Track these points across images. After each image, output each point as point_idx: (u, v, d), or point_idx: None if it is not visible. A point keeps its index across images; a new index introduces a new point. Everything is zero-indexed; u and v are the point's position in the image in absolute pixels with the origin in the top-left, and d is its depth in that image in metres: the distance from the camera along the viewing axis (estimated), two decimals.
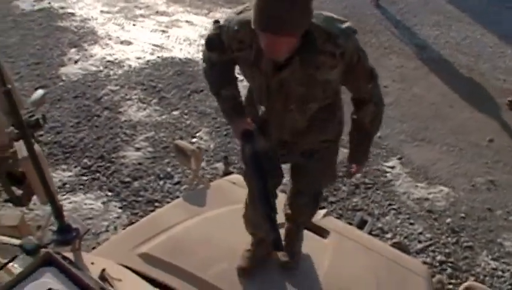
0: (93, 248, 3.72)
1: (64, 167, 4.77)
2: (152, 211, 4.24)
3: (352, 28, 2.05)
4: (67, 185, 4.55)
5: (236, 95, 2.38)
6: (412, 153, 5.47)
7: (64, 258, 1.91)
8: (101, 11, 8.02)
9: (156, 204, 4.41)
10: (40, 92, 4.31)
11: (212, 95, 2.48)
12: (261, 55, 2.07)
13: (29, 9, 7.94)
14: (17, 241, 2.10)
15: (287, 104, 2.23)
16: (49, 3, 8.15)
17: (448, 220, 4.65)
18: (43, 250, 1.78)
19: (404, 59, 7.44)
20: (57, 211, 2.16)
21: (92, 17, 7.81)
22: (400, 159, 5.35)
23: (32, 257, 1.70)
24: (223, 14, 7.35)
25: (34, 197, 4.23)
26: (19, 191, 4.22)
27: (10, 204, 4.36)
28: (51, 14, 7.84)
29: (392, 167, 5.21)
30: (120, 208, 4.36)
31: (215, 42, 2.29)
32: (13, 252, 2.04)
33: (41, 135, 5.04)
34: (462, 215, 4.74)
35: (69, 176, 4.67)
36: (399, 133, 5.70)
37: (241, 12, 2.17)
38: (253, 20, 1.87)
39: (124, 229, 4.11)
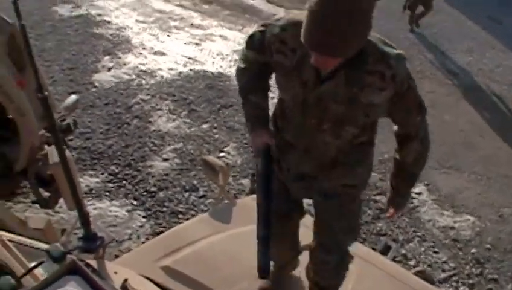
0: (116, 256, 3.74)
1: (91, 172, 4.81)
2: (176, 222, 4.26)
3: (404, 54, 1.93)
4: (93, 191, 4.59)
5: (264, 105, 2.24)
6: (439, 180, 5.41)
7: (88, 265, 1.93)
8: (137, 21, 8.13)
9: (180, 216, 4.42)
10: (73, 97, 4.39)
11: (241, 107, 2.37)
12: (304, 63, 1.92)
13: (67, 15, 8.08)
14: (43, 246, 2.12)
15: (321, 122, 2.04)
16: (87, 10, 8.29)
17: (474, 250, 4.58)
18: (69, 256, 1.80)
19: (435, 84, 7.39)
20: (84, 218, 2.18)
21: (127, 26, 7.92)
22: (426, 185, 5.30)
23: (58, 264, 1.71)
24: None
25: (61, 201, 4.30)
26: (46, 194, 4.28)
27: (37, 205, 4.44)
28: (88, 21, 7.97)
29: (419, 193, 5.16)
30: (144, 217, 4.39)
31: (256, 40, 2.14)
32: (37, 255, 2.06)
33: (71, 140, 5.10)
34: (488, 246, 4.66)
35: (96, 182, 4.71)
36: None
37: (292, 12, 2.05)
38: (303, 34, 1.73)
39: (147, 238, 4.14)
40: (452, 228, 4.81)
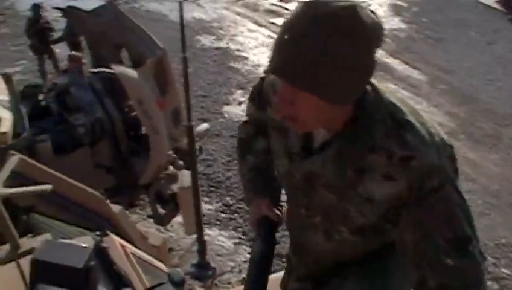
0: (215, 285, 3.81)
1: (206, 199, 4.95)
2: (280, 265, 4.25)
3: (447, 141, 1.22)
4: (205, 218, 4.70)
5: (263, 166, 1.64)
6: None
7: None
8: None
9: (284, 259, 4.40)
10: (205, 125, 4.60)
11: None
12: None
13: (208, 45, 8.49)
14: (162, 267, 2.22)
15: (310, 212, 1.39)
16: (227, 44, 8.67)
17: None
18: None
19: None
20: (202, 246, 2.26)
21: (263, 64, 8.15)
22: None
23: (176, 288, 1.78)
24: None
25: (173, 220, 4.46)
26: (162, 211, 4.48)
27: (150, 220, 4.65)
28: (226, 54, 8.32)
29: None
30: (249, 253, 4.43)
31: (255, 90, 1.61)
32: (149, 271, 2.15)
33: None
34: None
35: (209, 209, 4.84)
36: None
37: None
38: None
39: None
40: None
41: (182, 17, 2.03)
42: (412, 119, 1.21)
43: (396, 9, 11.19)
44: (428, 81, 9.06)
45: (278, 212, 1.55)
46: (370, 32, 1.12)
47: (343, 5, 1.10)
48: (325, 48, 1.10)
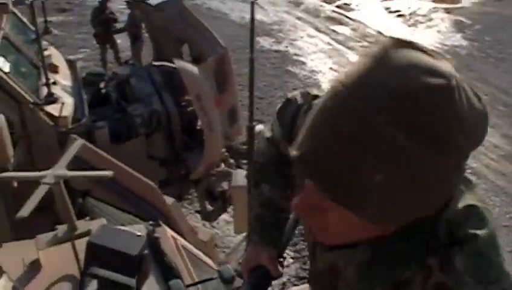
0: None
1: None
2: None
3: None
4: None
5: (278, 203, 1.36)
6: None
7: None
8: (330, 68, 8.31)
9: None
10: (260, 127, 4.61)
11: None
12: None
13: (267, 48, 8.51)
14: (211, 263, 2.23)
15: None
16: (286, 47, 8.67)
17: None
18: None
19: None
20: None
21: (320, 71, 8.13)
22: None
23: (226, 285, 1.78)
24: None
25: (219, 218, 4.48)
26: (209, 207, 4.52)
27: (198, 215, 4.68)
28: (285, 57, 8.32)
29: None
30: (292, 258, 4.42)
31: (288, 112, 1.20)
32: (196, 264, 2.16)
33: (244, 164, 5.32)
34: None
35: None
36: None
37: None
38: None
39: (288, 279, 4.16)
40: None
41: (252, 19, 2.04)
42: (482, 235, 0.81)
43: (458, 26, 10.96)
44: (487, 102, 8.75)
45: (279, 267, 1.31)
46: (465, 130, 0.73)
47: (434, 83, 0.70)
48: (395, 146, 0.70)
